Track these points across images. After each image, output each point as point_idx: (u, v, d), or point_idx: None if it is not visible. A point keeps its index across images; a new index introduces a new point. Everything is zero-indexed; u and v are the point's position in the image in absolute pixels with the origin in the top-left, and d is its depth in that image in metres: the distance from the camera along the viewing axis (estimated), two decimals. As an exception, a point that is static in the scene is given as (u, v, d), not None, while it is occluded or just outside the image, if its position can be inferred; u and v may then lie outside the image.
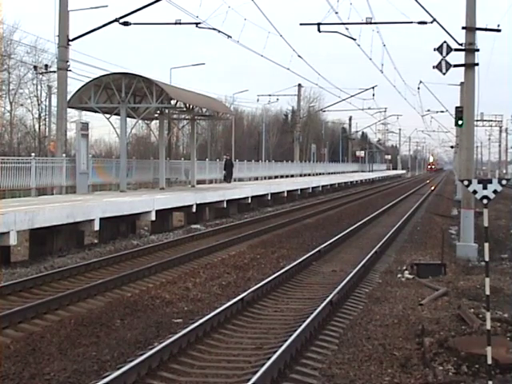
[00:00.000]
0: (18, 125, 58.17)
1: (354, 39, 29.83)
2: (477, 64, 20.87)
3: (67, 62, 27.60)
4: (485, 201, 8.18)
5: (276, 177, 55.57)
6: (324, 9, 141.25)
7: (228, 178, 40.57)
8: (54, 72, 34.29)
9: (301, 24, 28.00)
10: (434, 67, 20.78)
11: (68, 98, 28.07)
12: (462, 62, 20.87)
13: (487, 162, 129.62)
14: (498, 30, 21.80)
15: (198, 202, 28.28)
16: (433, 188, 64.09)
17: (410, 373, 8.76)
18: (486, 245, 8.25)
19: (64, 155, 26.73)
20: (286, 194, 42.85)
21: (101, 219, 20.48)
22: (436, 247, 20.42)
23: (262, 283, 13.65)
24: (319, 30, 26.64)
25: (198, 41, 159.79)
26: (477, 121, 57.02)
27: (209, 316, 10.73)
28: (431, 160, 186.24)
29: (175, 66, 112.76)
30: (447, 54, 20.53)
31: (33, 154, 25.62)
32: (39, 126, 56.79)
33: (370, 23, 27.29)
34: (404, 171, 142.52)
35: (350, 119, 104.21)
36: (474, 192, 8.26)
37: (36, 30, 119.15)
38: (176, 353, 9.22)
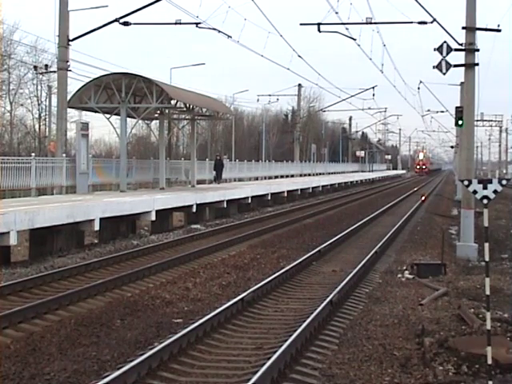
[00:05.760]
0: (18, 125, 58.18)
1: (354, 39, 29.87)
2: (477, 64, 20.88)
3: (67, 62, 27.63)
4: (485, 201, 8.18)
5: (276, 177, 55.60)
6: (324, 9, 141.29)
7: (218, 178, 39.81)
8: (54, 72, 34.40)
9: (301, 24, 28.05)
10: (434, 67, 20.78)
11: (68, 97, 28.10)
12: (462, 62, 20.87)
13: (487, 162, 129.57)
14: (498, 30, 21.83)
15: (198, 202, 28.29)
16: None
17: (410, 373, 8.76)
18: (486, 245, 8.25)
19: (64, 155, 26.73)
20: (286, 194, 42.87)
21: (101, 219, 20.49)
22: (436, 247, 20.42)
23: (262, 283, 13.65)
24: (319, 30, 26.67)
25: (198, 41, 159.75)
26: (477, 121, 56.99)
27: (209, 316, 10.73)
28: (421, 157, 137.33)
29: (175, 66, 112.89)
30: (447, 53, 20.54)
31: (33, 154, 25.61)
32: (39, 125, 56.84)
33: (370, 23, 27.32)
34: (404, 171, 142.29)
35: (350, 119, 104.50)
36: (474, 192, 8.26)
37: (36, 30, 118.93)
38: (176, 353, 9.22)
